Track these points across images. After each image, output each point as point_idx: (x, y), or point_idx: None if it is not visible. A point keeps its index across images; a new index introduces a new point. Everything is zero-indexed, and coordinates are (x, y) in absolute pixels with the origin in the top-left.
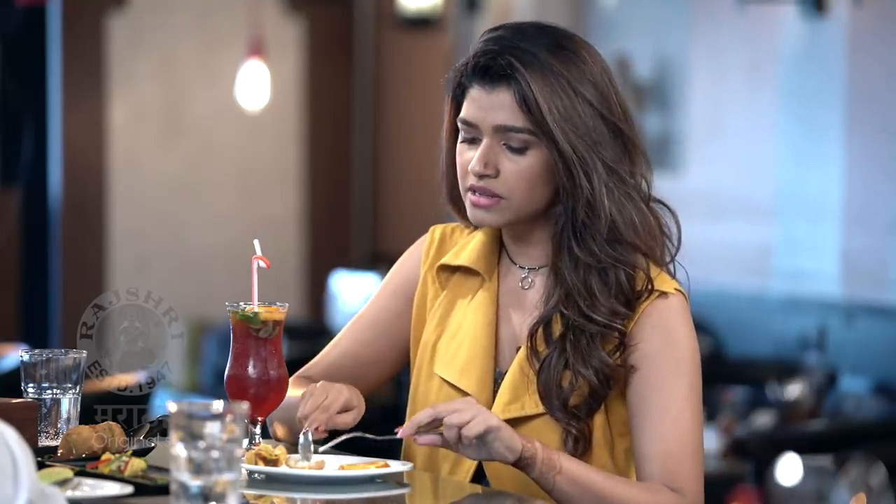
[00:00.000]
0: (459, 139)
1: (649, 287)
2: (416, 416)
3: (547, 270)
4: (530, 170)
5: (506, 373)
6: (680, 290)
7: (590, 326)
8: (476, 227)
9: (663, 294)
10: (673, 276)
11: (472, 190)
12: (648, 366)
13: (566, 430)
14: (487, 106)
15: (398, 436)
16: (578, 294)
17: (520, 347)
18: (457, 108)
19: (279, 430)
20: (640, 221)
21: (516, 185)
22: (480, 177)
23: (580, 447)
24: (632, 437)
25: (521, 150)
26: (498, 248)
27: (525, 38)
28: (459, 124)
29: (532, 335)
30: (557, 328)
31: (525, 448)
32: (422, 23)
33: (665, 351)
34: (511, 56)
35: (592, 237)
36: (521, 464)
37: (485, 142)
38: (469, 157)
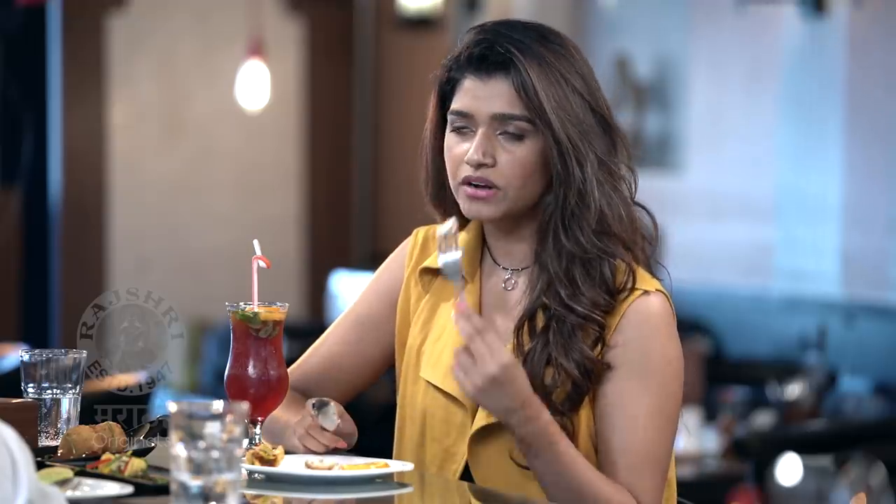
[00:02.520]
0: (449, 131)
1: (632, 280)
2: (474, 321)
3: (530, 270)
4: (526, 158)
5: None
6: (661, 291)
7: (570, 317)
8: (462, 227)
9: (645, 293)
10: (654, 276)
11: (468, 182)
12: (621, 372)
13: None
14: (484, 95)
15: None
16: (560, 283)
17: None
18: (442, 103)
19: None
20: (627, 215)
21: (512, 174)
22: (478, 166)
23: None
24: (598, 441)
25: (517, 139)
26: (480, 249)
27: (517, 30)
28: (451, 116)
29: (518, 330)
30: (541, 322)
31: (527, 403)
32: (422, 23)
33: (641, 360)
34: (508, 44)
35: (580, 227)
36: (516, 416)
37: (481, 131)
38: (461, 150)
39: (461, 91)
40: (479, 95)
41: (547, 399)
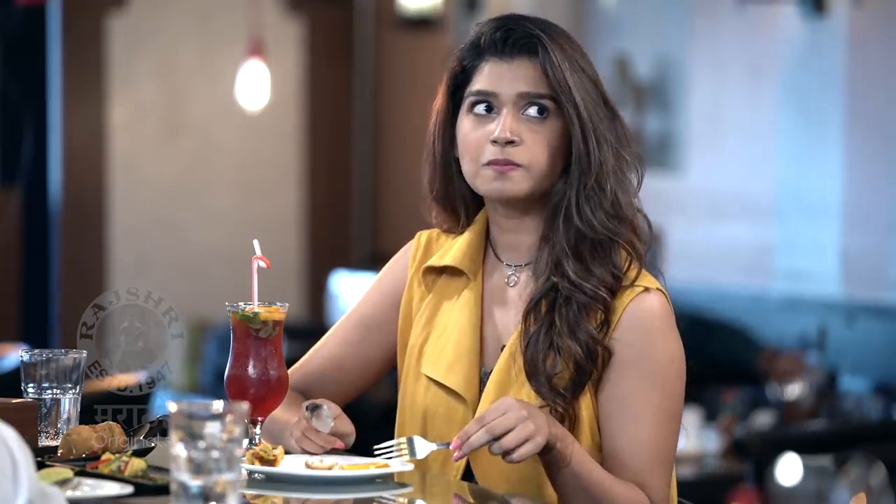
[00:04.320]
0: (465, 115)
1: (636, 267)
2: (473, 440)
3: (532, 267)
4: (550, 137)
5: (491, 371)
6: (660, 289)
7: (578, 295)
8: (459, 233)
9: (646, 290)
10: (654, 277)
11: (494, 163)
12: (627, 373)
13: (552, 409)
14: (508, 75)
15: (454, 459)
16: (568, 259)
17: (504, 346)
18: (454, 91)
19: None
20: (636, 205)
21: (539, 151)
22: (505, 145)
23: (566, 426)
24: (603, 440)
25: (542, 119)
26: (483, 247)
27: (531, 20)
28: (471, 98)
29: (527, 315)
30: (545, 306)
31: (547, 442)
32: (422, 23)
33: (644, 360)
34: (531, 25)
35: (593, 210)
36: (550, 421)
37: (506, 110)
38: (483, 132)
39: (481, 74)
40: (504, 76)
41: (549, 383)
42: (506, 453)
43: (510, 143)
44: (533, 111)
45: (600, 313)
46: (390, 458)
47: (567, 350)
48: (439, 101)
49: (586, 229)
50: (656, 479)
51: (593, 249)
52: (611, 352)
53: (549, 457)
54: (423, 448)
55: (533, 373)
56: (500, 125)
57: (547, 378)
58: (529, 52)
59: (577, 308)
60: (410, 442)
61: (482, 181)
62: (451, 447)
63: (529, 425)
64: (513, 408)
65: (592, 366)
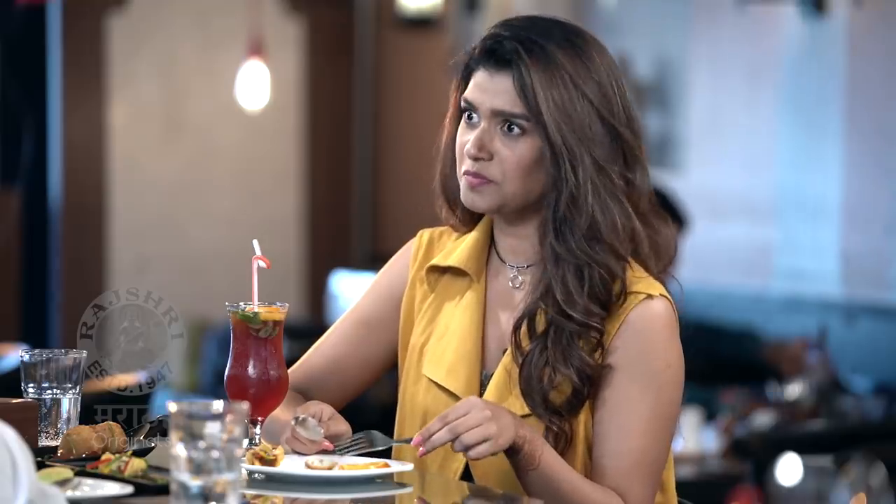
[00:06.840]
0: (463, 120)
1: (625, 293)
2: (436, 438)
3: (535, 269)
4: (523, 156)
5: (492, 374)
6: (665, 296)
7: (568, 324)
8: (464, 231)
9: (649, 297)
10: (663, 284)
11: (467, 173)
12: (621, 376)
13: (548, 427)
14: (489, 89)
15: (419, 454)
16: (556, 287)
17: (506, 349)
18: (463, 90)
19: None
20: (623, 225)
21: (509, 170)
22: (475, 160)
23: (561, 444)
24: (593, 445)
25: (516, 136)
26: (488, 248)
27: (536, 29)
28: (462, 104)
29: (516, 330)
30: (541, 324)
31: (513, 444)
32: (422, 23)
33: (640, 364)
34: (518, 43)
35: (571, 232)
36: (517, 421)
37: (482, 125)
38: (466, 140)
39: (472, 81)
40: (486, 89)
41: (544, 402)
42: (467, 450)
43: (479, 158)
44: (508, 128)
45: (594, 339)
46: (350, 452)
47: (562, 374)
48: (452, 94)
49: (565, 253)
50: (637, 486)
51: (576, 277)
52: (608, 367)
53: (516, 459)
54: (382, 443)
55: (528, 391)
56: (471, 140)
57: (542, 397)
58: (512, 67)
59: (569, 335)
60: (369, 435)
61: (461, 188)
62: (412, 443)
63: (492, 426)
64: (476, 406)
65: (589, 387)
